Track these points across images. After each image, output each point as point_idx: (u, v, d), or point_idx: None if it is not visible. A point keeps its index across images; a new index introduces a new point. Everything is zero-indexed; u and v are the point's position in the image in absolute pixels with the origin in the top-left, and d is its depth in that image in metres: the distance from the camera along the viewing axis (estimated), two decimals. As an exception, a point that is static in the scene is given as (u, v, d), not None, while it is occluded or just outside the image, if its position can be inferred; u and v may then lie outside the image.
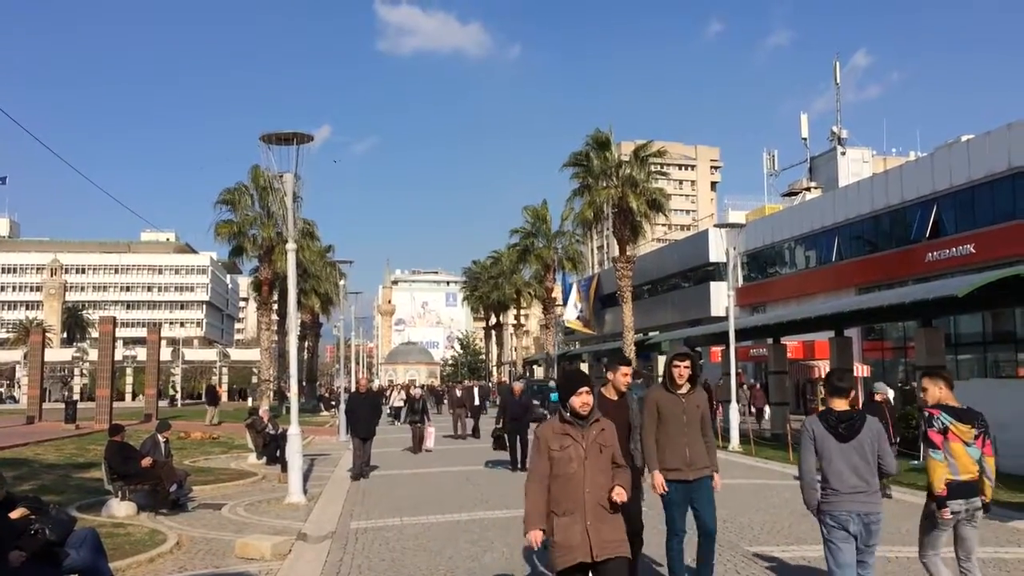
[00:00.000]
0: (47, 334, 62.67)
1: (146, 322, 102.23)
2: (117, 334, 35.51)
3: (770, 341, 26.67)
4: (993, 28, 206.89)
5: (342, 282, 40.54)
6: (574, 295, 58.80)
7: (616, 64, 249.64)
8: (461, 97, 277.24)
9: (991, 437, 5.78)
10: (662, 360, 35.02)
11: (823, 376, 20.45)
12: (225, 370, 68.62)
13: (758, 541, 8.78)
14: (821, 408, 5.59)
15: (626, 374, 6.54)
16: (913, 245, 30.99)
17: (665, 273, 48.85)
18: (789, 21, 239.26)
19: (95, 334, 71.80)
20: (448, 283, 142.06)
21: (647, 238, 40.76)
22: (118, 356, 49.28)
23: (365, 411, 15.77)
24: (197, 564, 8.22)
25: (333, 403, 39.35)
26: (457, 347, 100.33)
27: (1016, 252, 24.77)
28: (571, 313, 59.13)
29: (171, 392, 64.04)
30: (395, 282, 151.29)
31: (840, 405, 5.30)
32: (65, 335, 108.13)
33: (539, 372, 58.41)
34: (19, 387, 62.84)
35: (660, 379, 6.61)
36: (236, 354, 75.12)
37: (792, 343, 29.08)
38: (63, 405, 34.65)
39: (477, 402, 27.18)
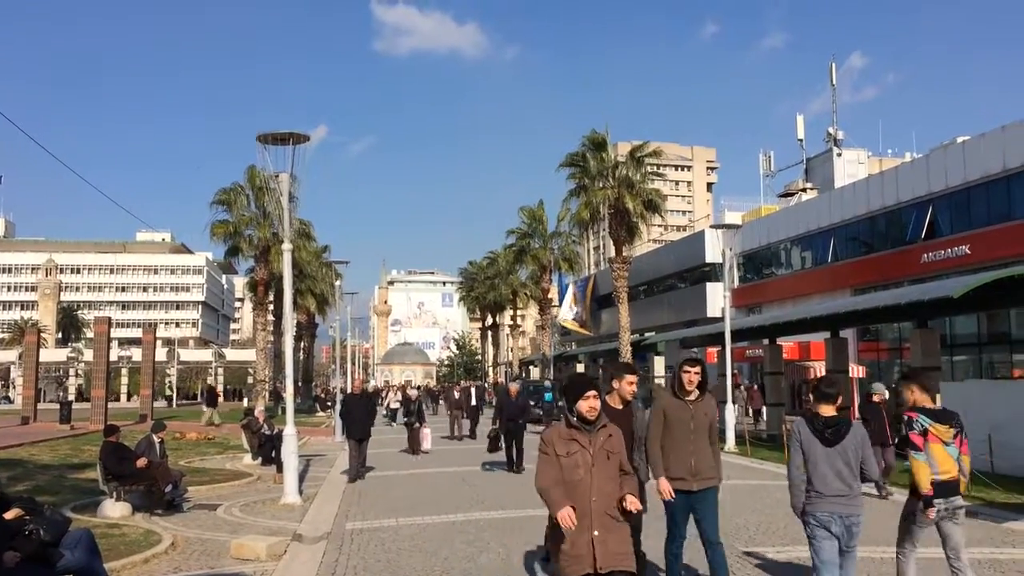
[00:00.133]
0: (42, 334, 62.75)
1: (141, 322, 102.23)
2: (112, 334, 35.36)
3: (766, 342, 26.74)
4: (988, 30, 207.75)
5: (338, 282, 40.46)
6: (570, 296, 58.78)
7: (612, 65, 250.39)
8: (457, 97, 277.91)
9: (967, 436, 5.92)
10: (658, 361, 35.15)
11: (815, 379, 20.49)
12: (221, 370, 68.49)
13: (753, 542, 8.80)
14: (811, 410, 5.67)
15: (632, 383, 6.37)
16: (909, 246, 31.02)
17: (661, 274, 48.83)
18: (784, 23, 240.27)
19: (90, 334, 71.41)
20: (444, 284, 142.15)
21: (643, 239, 40.63)
22: (113, 356, 49.12)
23: (361, 412, 15.78)
24: (192, 565, 8.21)
25: (329, 404, 39.27)
26: (453, 348, 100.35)
27: (1011, 253, 24.80)
28: (567, 314, 59.07)
29: (167, 392, 63.98)
30: (391, 282, 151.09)
31: (827, 411, 5.46)
32: (60, 335, 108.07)
33: (535, 373, 58.37)
34: (14, 387, 62.72)
35: (658, 380, 6.59)
36: (232, 355, 74.89)
37: (788, 344, 29.13)
38: (58, 406, 34.54)
39: (474, 403, 27.19)
